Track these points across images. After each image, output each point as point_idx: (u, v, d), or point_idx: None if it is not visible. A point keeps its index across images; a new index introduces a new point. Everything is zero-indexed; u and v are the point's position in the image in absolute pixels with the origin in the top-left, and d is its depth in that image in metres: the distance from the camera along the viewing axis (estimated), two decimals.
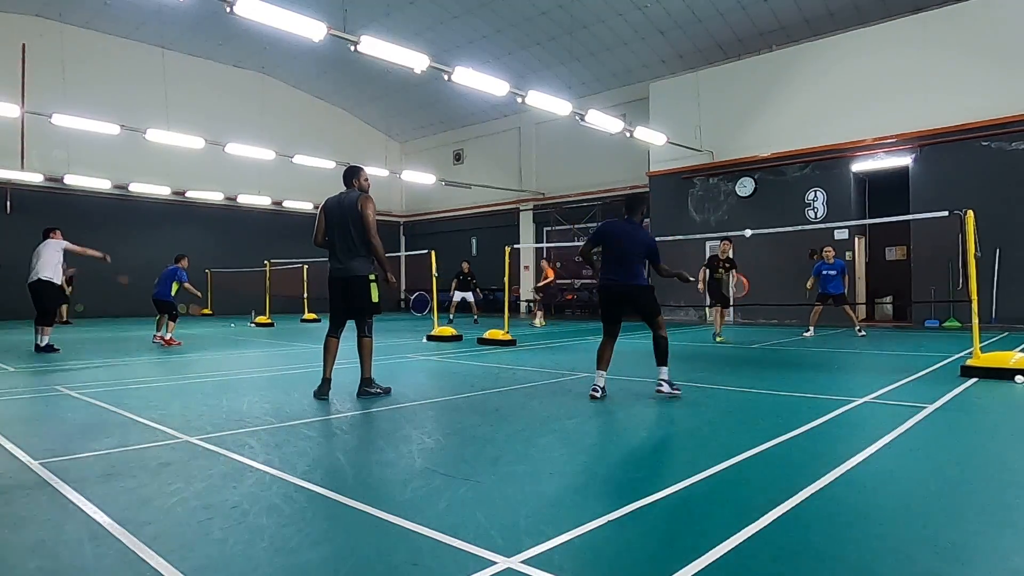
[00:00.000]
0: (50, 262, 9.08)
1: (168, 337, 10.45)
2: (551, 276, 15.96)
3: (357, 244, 5.21)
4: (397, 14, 17.32)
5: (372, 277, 5.26)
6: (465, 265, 16.30)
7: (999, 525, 2.43)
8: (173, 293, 10.89)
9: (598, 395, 5.09)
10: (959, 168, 13.05)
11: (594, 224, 20.66)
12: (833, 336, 11.58)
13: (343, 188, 5.47)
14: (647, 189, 18.17)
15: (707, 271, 10.74)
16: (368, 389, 5.33)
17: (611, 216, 20.25)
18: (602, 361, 5.27)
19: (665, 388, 5.11)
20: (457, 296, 16.05)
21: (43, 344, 9.10)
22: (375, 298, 5.27)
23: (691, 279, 5.97)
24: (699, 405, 5.01)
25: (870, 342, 10.38)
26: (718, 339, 10.53)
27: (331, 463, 3.38)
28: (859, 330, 11.36)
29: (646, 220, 17.94)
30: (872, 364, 7.75)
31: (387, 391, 5.42)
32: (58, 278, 9.27)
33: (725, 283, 10.72)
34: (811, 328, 11.74)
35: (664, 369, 5.21)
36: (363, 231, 5.18)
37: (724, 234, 11.18)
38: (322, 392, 5.24)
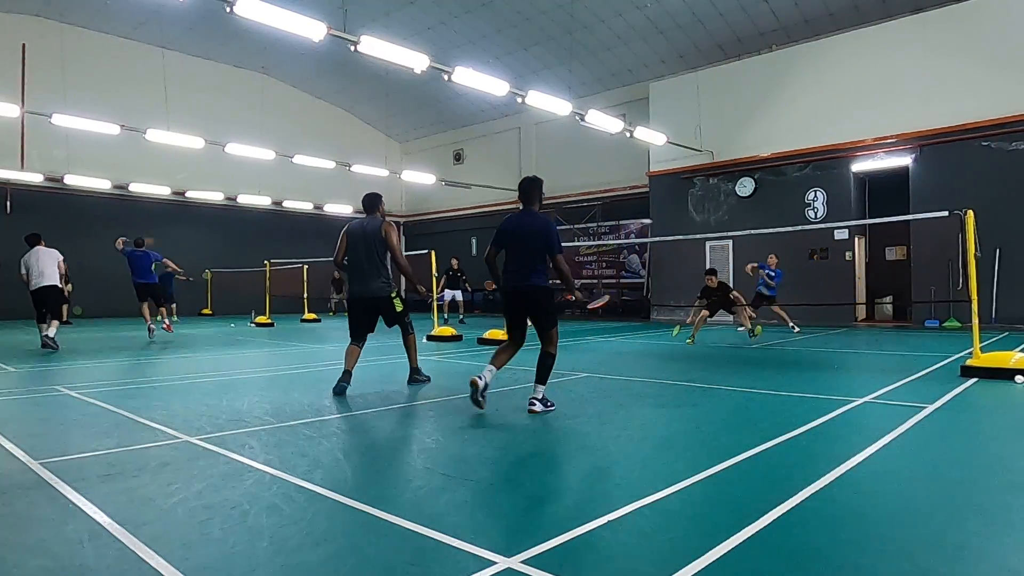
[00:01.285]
0: (53, 269, 9.53)
1: (167, 323, 11.25)
2: None
3: (379, 266, 5.71)
4: (397, 14, 17.31)
5: (393, 295, 5.79)
6: (454, 262, 16.00)
7: (999, 525, 2.43)
8: (154, 269, 11.47)
9: (480, 384, 4.51)
10: (959, 168, 13.04)
11: (594, 224, 20.67)
12: (834, 336, 11.58)
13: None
14: (647, 189, 18.19)
15: (705, 300, 11.12)
16: (417, 377, 6.07)
17: (611, 215, 20.33)
18: (495, 359, 4.76)
19: (538, 407, 4.56)
20: (448, 295, 15.81)
21: (51, 334, 9.23)
22: (399, 308, 5.85)
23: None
24: (699, 405, 5.01)
25: (870, 342, 10.38)
26: (752, 334, 10.77)
27: (331, 463, 3.38)
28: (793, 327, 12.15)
29: (646, 221, 18.28)
30: (872, 364, 7.75)
31: (427, 379, 6.11)
32: (59, 281, 9.69)
33: (729, 300, 10.98)
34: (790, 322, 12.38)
35: (541, 388, 4.65)
36: (386, 254, 5.73)
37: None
38: (343, 380, 5.50)
